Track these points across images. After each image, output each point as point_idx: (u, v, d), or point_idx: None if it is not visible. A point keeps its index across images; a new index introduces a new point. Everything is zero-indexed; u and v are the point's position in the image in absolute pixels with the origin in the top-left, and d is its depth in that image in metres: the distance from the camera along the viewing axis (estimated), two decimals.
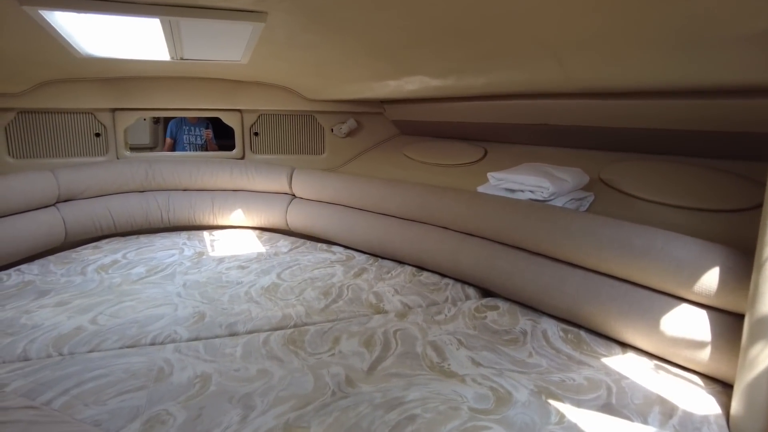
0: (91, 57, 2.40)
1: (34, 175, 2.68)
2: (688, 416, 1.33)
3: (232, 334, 1.80)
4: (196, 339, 1.75)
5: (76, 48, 2.23)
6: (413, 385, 1.45)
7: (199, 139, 4.16)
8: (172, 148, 4.10)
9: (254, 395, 1.39)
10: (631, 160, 2.24)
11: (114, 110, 3.14)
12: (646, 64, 1.59)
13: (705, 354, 1.48)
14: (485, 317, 1.95)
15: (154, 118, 5.13)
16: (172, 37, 2.09)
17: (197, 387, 1.42)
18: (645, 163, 2.18)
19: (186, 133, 4.14)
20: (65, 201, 2.86)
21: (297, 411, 1.32)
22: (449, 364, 1.58)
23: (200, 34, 2.11)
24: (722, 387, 1.47)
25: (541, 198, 2.08)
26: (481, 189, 2.37)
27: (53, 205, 2.79)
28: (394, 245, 2.62)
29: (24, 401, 1.34)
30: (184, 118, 4.09)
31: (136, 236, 3.06)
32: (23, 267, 2.43)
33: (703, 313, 1.52)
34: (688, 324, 1.53)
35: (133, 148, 3.40)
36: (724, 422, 1.31)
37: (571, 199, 2.08)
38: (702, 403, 1.40)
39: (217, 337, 1.77)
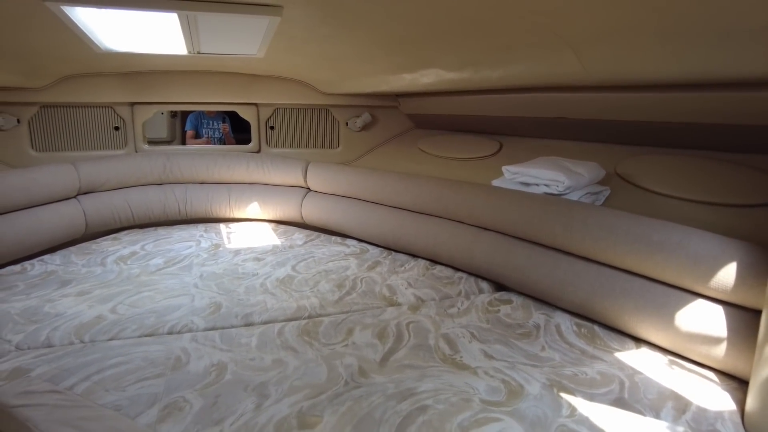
0: (110, 52, 2.44)
1: (56, 168, 2.75)
2: (701, 412, 1.32)
3: (248, 325, 1.83)
4: (212, 329, 1.78)
5: (96, 43, 2.27)
6: (426, 376, 1.47)
7: (217, 132, 4.21)
8: (196, 137, 4.17)
9: (269, 384, 1.41)
10: (649, 154, 2.21)
11: (132, 104, 3.20)
12: (667, 57, 1.56)
13: (720, 350, 1.47)
14: (498, 311, 1.95)
15: (171, 111, 5.20)
16: (189, 31, 2.12)
17: (213, 375, 1.45)
18: (663, 158, 2.15)
19: (204, 126, 4.20)
20: (86, 193, 2.92)
21: (310, 400, 1.34)
22: (461, 357, 1.59)
23: (217, 28, 2.13)
24: (738, 383, 1.46)
25: (556, 192, 2.06)
26: (496, 183, 2.36)
27: (74, 197, 2.86)
28: (408, 239, 2.63)
29: (48, 386, 1.38)
30: (203, 111, 4.14)
31: (154, 228, 3.12)
32: (46, 257, 2.50)
33: (719, 309, 1.50)
34: (704, 320, 1.52)
35: (151, 142, 3.45)
36: (738, 419, 1.30)
37: (587, 193, 2.06)
38: (717, 399, 1.38)
39: (233, 327, 1.81)
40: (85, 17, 1.92)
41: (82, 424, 1.23)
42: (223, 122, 4.20)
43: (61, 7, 1.75)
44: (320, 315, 1.92)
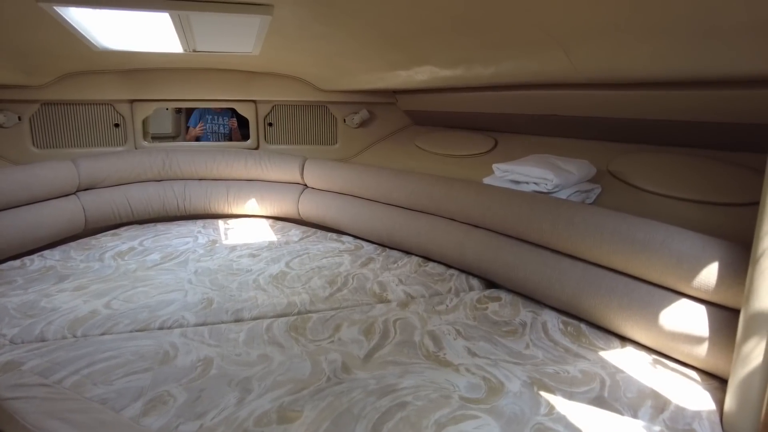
0: (107, 50, 2.47)
1: (56, 165, 2.79)
2: (680, 411, 1.32)
3: (238, 320, 1.86)
4: (202, 324, 1.81)
5: (93, 42, 2.30)
6: (408, 373, 1.48)
7: (222, 128, 4.20)
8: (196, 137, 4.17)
9: (253, 379, 1.44)
10: (641, 152, 2.21)
11: (132, 101, 3.23)
12: (656, 54, 1.56)
13: (703, 349, 1.47)
14: (486, 308, 1.96)
15: (176, 108, 5.23)
16: (183, 30, 2.14)
17: (199, 370, 1.48)
18: (654, 155, 2.14)
19: (209, 122, 4.20)
20: (85, 190, 2.97)
21: (292, 395, 1.36)
22: (445, 354, 1.60)
23: (210, 26, 2.15)
24: (719, 383, 1.46)
25: (545, 190, 2.06)
26: (486, 180, 2.37)
27: (74, 193, 2.90)
28: (402, 235, 2.64)
29: (39, 379, 1.42)
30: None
31: (153, 224, 3.16)
32: (46, 253, 2.54)
33: (701, 308, 1.50)
34: (686, 319, 1.52)
35: (155, 137, 3.48)
36: (717, 418, 1.31)
37: (577, 191, 2.06)
38: (696, 398, 1.39)
39: (222, 322, 1.83)
40: (79, 17, 1.95)
41: (68, 416, 1.26)
42: (231, 117, 4.19)
43: (54, 7, 1.77)
44: (309, 311, 1.94)
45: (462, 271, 2.37)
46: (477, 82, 2.48)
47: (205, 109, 4.14)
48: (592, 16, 1.46)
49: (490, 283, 2.26)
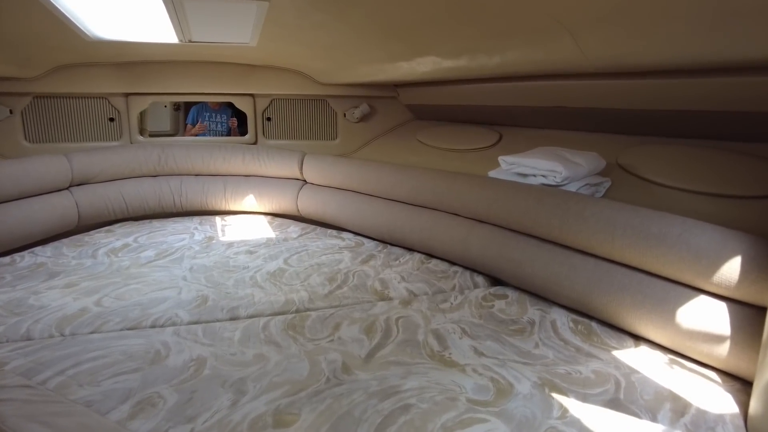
0: (100, 40, 2.40)
1: (48, 159, 2.71)
2: (701, 414, 1.24)
3: (233, 319, 1.78)
4: (196, 322, 1.74)
5: (85, 31, 2.23)
6: (411, 373, 1.41)
7: (220, 125, 4.12)
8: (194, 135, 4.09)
9: (248, 380, 1.36)
10: (652, 144, 2.13)
11: (127, 95, 3.15)
12: (671, 39, 1.48)
13: (723, 349, 1.39)
14: (492, 306, 1.88)
15: (174, 104, 5.15)
16: (177, 18, 2.06)
17: (191, 370, 1.40)
18: (666, 147, 2.06)
19: (207, 119, 4.12)
20: (79, 185, 2.89)
21: (289, 397, 1.28)
22: (450, 353, 1.52)
23: (206, 15, 2.08)
24: (741, 384, 1.38)
25: (553, 183, 1.99)
26: (492, 174, 2.29)
27: (66, 188, 2.83)
28: (404, 232, 2.57)
29: (21, 380, 1.34)
30: (205, 104, 4.07)
31: (149, 220, 3.08)
32: (37, 249, 2.47)
33: (722, 305, 1.42)
34: (706, 316, 1.44)
35: (154, 135, 3.40)
36: (741, 422, 1.23)
37: (586, 185, 1.98)
38: (718, 401, 1.31)
39: (217, 321, 1.76)
40: (70, 4, 1.88)
41: (50, 420, 1.18)
42: (231, 116, 4.11)
43: None
44: (308, 309, 1.87)
45: (466, 267, 2.29)
46: (481, 73, 2.40)
47: (203, 105, 4.06)
48: (602, 0, 1.38)
49: (495, 280, 2.19)
